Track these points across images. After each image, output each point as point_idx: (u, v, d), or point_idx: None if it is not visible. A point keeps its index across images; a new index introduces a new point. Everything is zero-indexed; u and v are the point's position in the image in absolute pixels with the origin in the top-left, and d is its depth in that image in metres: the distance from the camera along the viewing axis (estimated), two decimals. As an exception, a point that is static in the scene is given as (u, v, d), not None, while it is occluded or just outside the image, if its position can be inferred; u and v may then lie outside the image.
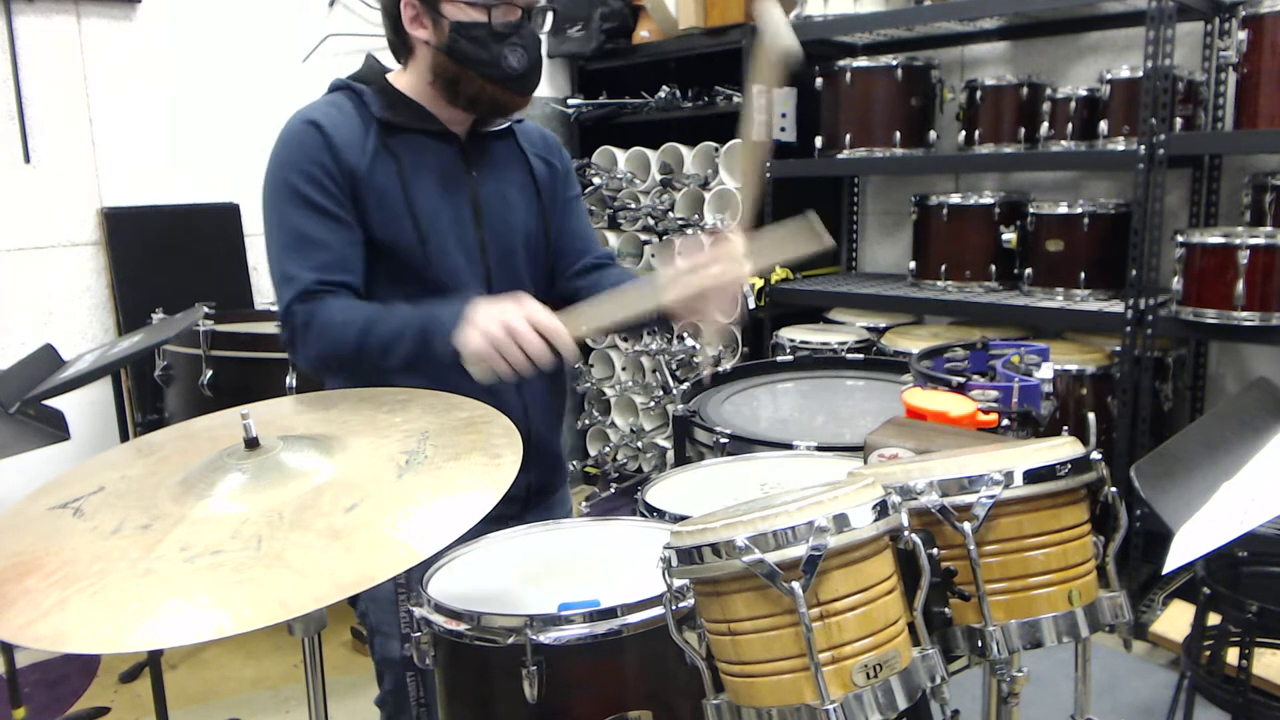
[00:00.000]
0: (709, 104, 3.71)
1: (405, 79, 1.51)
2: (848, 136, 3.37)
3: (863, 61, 3.37)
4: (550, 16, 1.52)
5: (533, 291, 1.52)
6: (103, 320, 3.16)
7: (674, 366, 3.86)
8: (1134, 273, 2.78)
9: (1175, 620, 2.73)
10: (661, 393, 3.98)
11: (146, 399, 2.94)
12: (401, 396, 1.32)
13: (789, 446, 1.66)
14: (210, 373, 2.59)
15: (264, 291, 3.49)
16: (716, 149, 3.62)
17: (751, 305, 3.57)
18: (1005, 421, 1.55)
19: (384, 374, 1.41)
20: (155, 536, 0.97)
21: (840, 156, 3.42)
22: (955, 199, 3.26)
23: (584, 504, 3.99)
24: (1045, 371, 1.72)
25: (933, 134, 3.39)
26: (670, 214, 3.77)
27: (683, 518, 1.30)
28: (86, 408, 3.03)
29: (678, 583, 0.93)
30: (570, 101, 4.03)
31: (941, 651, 0.94)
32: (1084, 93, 3.04)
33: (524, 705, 1.06)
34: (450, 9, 1.43)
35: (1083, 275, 3.02)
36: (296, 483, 1.05)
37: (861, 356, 2.38)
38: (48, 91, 3.00)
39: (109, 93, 3.12)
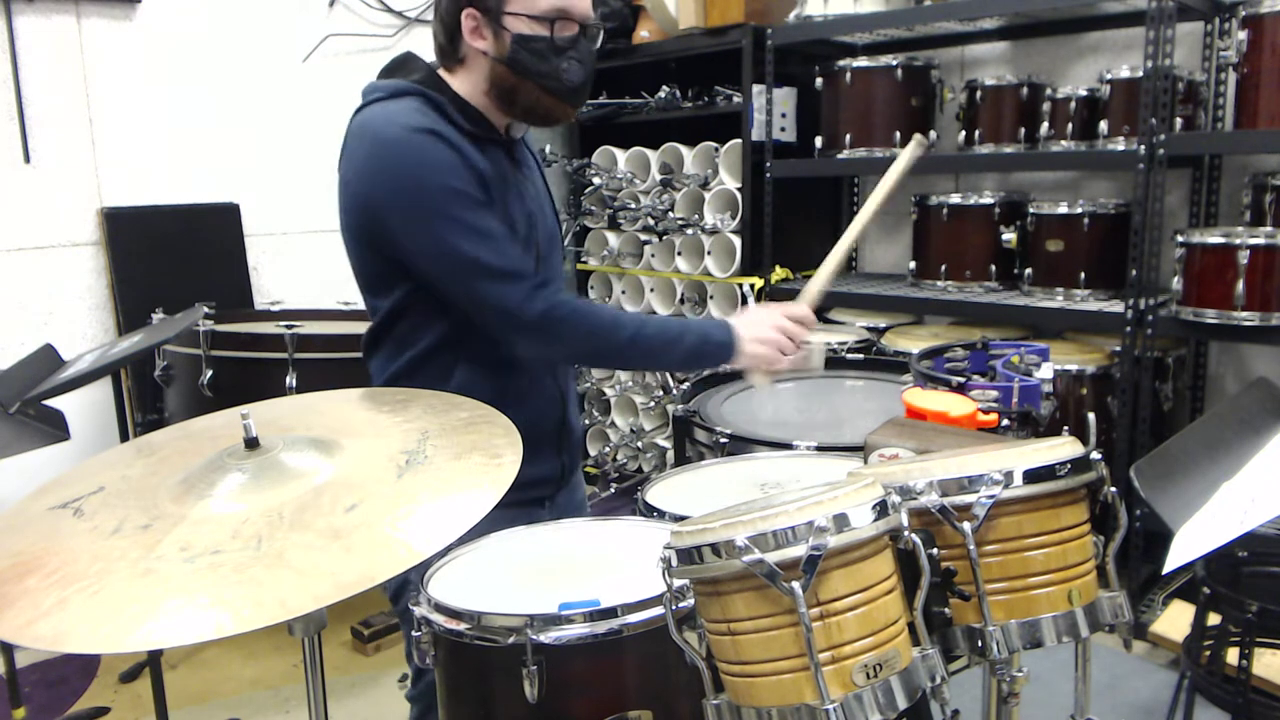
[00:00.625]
0: (709, 104, 3.71)
1: (461, 86, 1.52)
2: (848, 136, 3.37)
3: (863, 61, 3.37)
4: (601, 35, 1.57)
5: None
6: (103, 320, 3.16)
7: (674, 366, 3.86)
8: (1134, 273, 2.78)
9: (1175, 620, 2.73)
10: (661, 393, 3.98)
11: (146, 399, 2.94)
12: (401, 396, 1.32)
13: (789, 446, 1.66)
14: (210, 373, 2.59)
15: (264, 291, 3.49)
16: (716, 149, 3.62)
17: (751, 305, 3.57)
18: (1005, 421, 1.55)
19: (619, 367, 1.63)
20: (155, 536, 0.97)
21: (840, 156, 3.42)
22: (955, 199, 3.26)
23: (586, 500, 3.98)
24: (1045, 371, 1.72)
25: (933, 134, 3.39)
26: (670, 214, 3.77)
27: (683, 518, 1.30)
28: (86, 408, 3.03)
29: (678, 583, 0.93)
30: (570, 101, 4.02)
31: (941, 651, 0.95)
32: (1084, 93, 3.04)
33: (524, 705, 1.06)
34: (513, 22, 1.45)
35: (1083, 275, 3.02)
36: (296, 483, 1.05)
37: (861, 356, 2.37)
38: (48, 91, 3.00)
39: (109, 93, 3.12)
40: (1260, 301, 2.56)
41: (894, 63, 3.30)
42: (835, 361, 2.34)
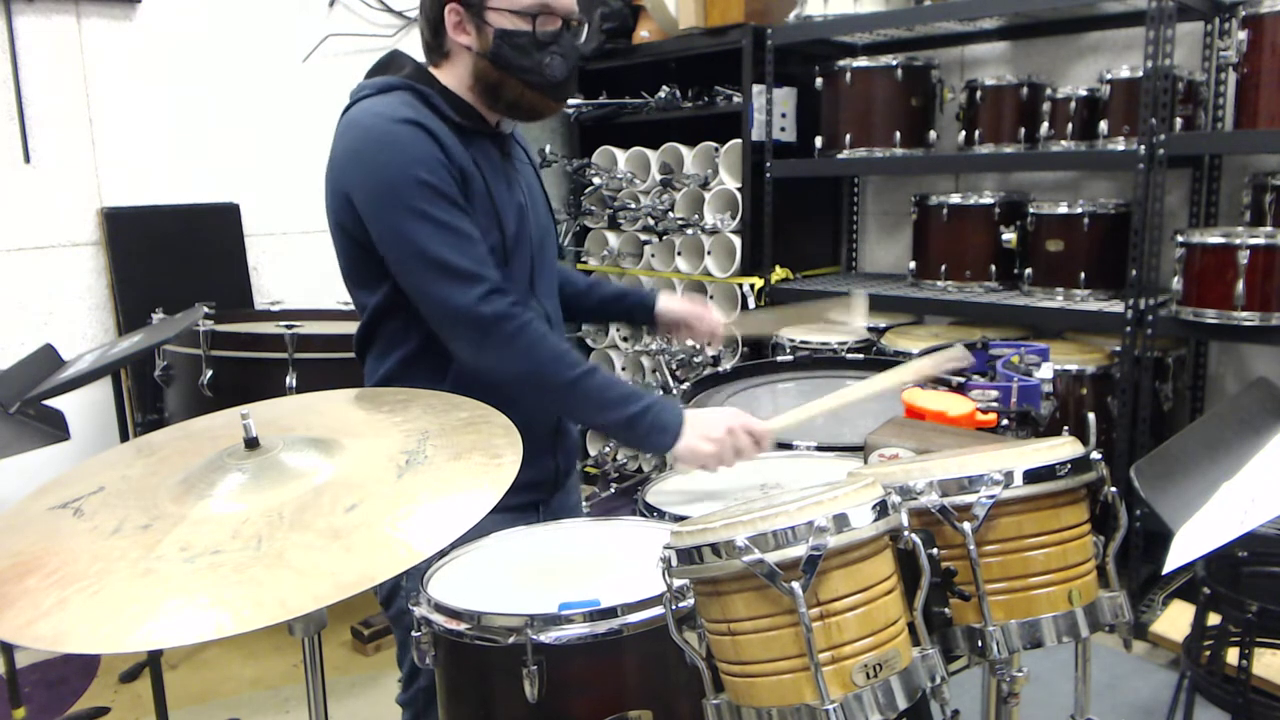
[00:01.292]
0: (709, 104, 3.71)
1: (448, 80, 1.52)
2: (848, 136, 3.37)
3: (863, 61, 3.37)
4: (587, 28, 1.56)
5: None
6: (103, 320, 3.16)
7: (674, 366, 3.86)
8: (1134, 273, 2.78)
9: (1175, 620, 2.73)
10: (662, 393, 3.98)
11: (146, 399, 2.94)
12: (401, 396, 1.32)
13: (789, 446, 1.66)
14: (210, 373, 2.59)
15: (264, 291, 3.49)
16: (716, 149, 3.62)
17: (751, 305, 3.57)
18: (1005, 421, 1.55)
19: (550, 407, 1.56)
20: (155, 536, 0.97)
21: (840, 156, 3.42)
22: (955, 199, 3.26)
23: (584, 504, 3.98)
24: (1045, 371, 1.72)
25: (933, 134, 3.39)
26: (670, 214, 3.77)
27: (682, 518, 1.30)
28: (86, 408, 3.03)
29: (678, 583, 0.93)
30: (570, 101, 4.02)
31: (941, 651, 0.95)
32: (1084, 93, 3.04)
33: (524, 705, 1.06)
34: (495, 17, 1.45)
35: (1083, 275, 3.02)
36: (296, 483, 1.05)
37: (861, 356, 2.38)
38: (48, 91, 3.00)
39: (109, 93, 3.12)
40: (1260, 301, 2.56)
41: (894, 63, 3.30)
42: (835, 361, 2.34)
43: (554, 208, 1.75)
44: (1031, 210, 3.14)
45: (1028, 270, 3.14)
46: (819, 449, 1.64)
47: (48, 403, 1.94)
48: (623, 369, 4.15)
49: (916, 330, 3.49)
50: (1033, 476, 0.97)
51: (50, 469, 1.19)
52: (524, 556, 1.33)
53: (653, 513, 1.43)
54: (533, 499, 1.62)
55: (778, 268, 3.57)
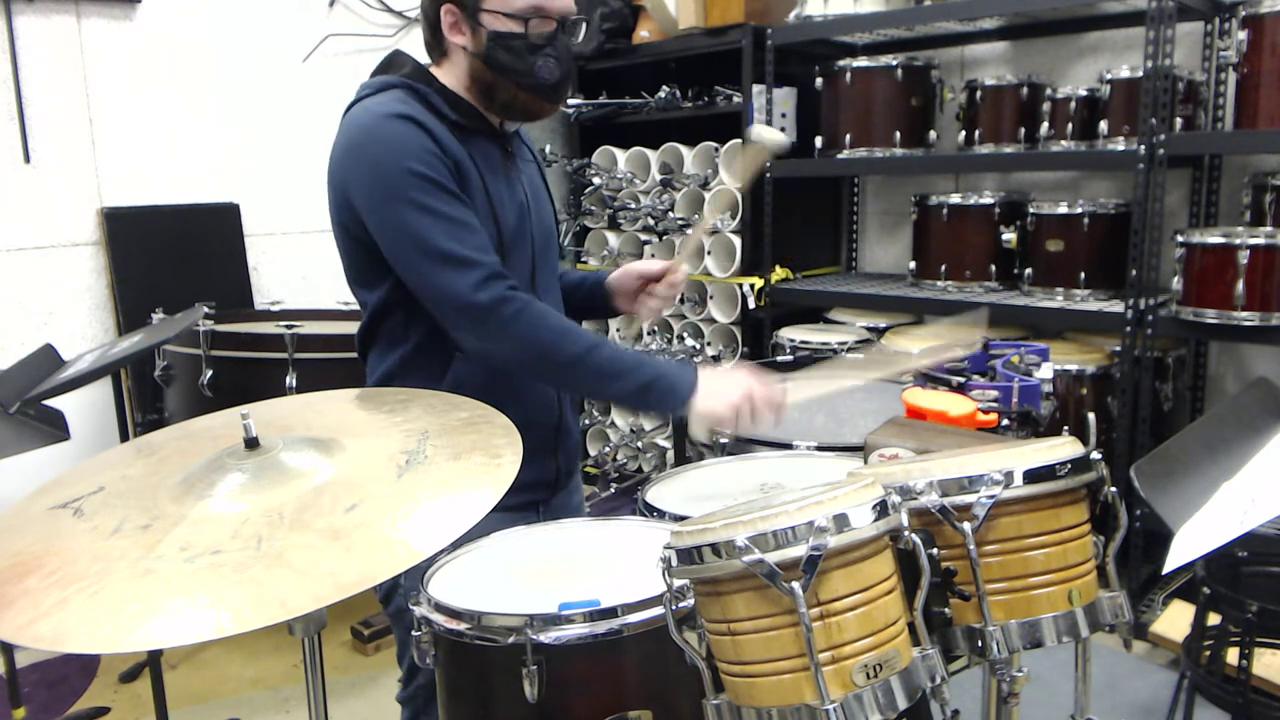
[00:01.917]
0: (709, 104, 3.71)
1: (448, 79, 1.53)
2: (848, 136, 3.37)
3: (863, 61, 3.37)
4: (584, 28, 1.55)
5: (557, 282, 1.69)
6: (103, 320, 3.16)
7: (674, 366, 3.85)
8: (1134, 273, 2.78)
9: (1175, 620, 2.73)
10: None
11: (146, 399, 2.94)
12: (401, 396, 1.32)
13: (789, 446, 1.66)
14: (210, 373, 2.59)
15: (264, 291, 3.49)
16: (716, 149, 3.62)
17: (751, 305, 3.57)
18: (1005, 421, 1.55)
19: (560, 387, 1.58)
20: (155, 536, 0.97)
21: (840, 156, 3.42)
22: (955, 199, 3.26)
23: (584, 504, 3.98)
24: (1045, 371, 1.72)
25: (933, 134, 3.39)
26: (670, 214, 3.77)
27: (683, 518, 1.30)
28: (86, 408, 3.03)
29: (678, 583, 0.93)
30: (570, 101, 4.03)
31: (941, 651, 0.95)
32: (1084, 93, 3.04)
33: (524, 705, 1.06)
34: (488, 19, 1.46)
35: (1083, 275, 3.02)
36: (296, 483, 1.05)
37: (861, 356, 2.37)
38: (48, 91, 3.00)
39: (109, 93, 3.12)
40: (1260, 301, 2.56)
41: (894, 63, 3.30)
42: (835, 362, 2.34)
43: (555, 208, 1.75)
44: (1031, 210, 3.14)
45: (1028, 270, 3.14)
46: (819, 449, 1.64)
47: (48, 403, 1.94)
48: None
49: (916, 330, 3.49)
50: (1033, 476, 0.97)
51: (50, 469, 1.19)
52: (524, 556, 1.33)
53: (653, 513, 1.43)
54: (532, 499, 1.62)
55: (778, 268, 3.57)
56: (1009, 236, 3.15)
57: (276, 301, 3.33)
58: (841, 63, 3.39)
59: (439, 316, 1.46)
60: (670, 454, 3.86)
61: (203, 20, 3.29)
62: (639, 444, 4.03)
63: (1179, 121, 2.81)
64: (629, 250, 4.00)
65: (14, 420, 1.84)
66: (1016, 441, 1.24)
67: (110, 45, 3.11)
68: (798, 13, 3.43)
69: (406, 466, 1.06)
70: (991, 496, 0.97)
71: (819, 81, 3.47)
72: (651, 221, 3.84)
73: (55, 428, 1.89)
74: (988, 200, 3.21)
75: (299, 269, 3.58)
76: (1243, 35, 2.66)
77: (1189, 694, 2.15)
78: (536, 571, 1.28)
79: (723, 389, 1.46)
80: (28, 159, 2.97)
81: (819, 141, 3.50)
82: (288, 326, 2.55)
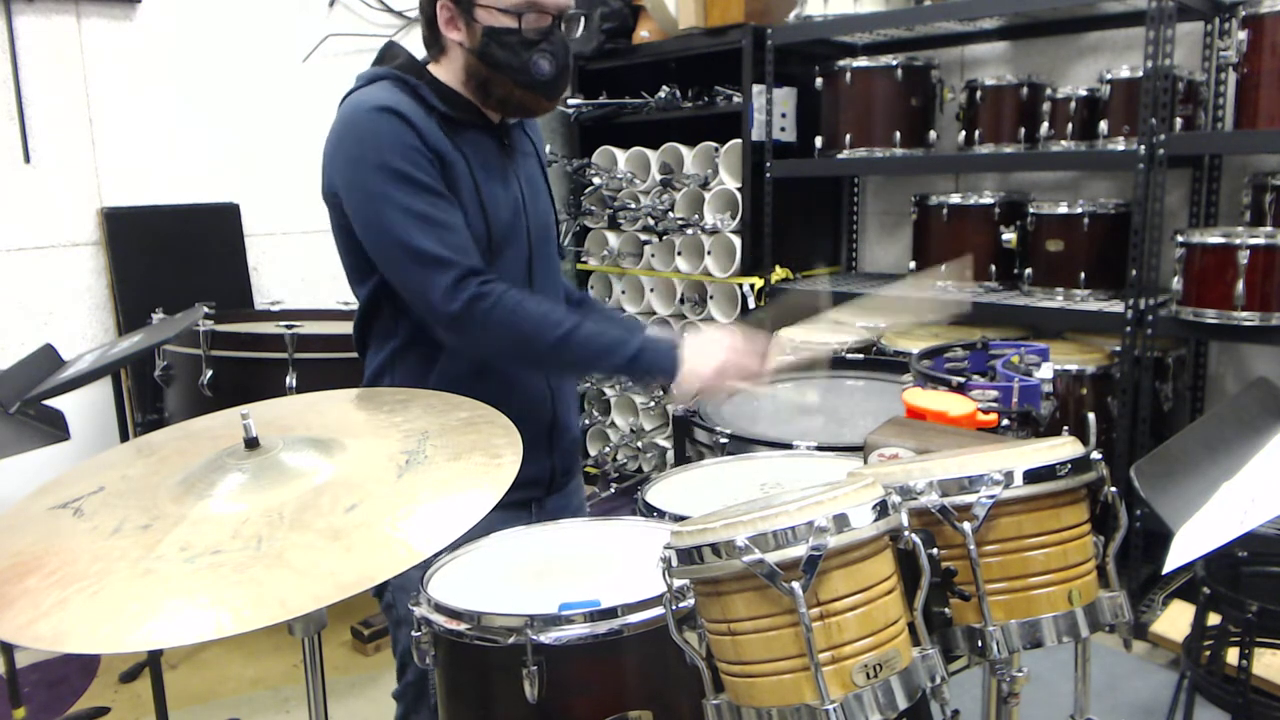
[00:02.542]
0: (709, 104, 3.71)
1: (444, 73, 1.53)
2: (848, 136, 3.37)
3: (863, 61, 3.37)
4: (581, 23, 1.56)
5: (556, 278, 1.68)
6: (103, 320, 3.16)
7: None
8: (1134, 273, 2.78)
9: (1175, 620, 2.73)
10: (661, 393, 3.98)
11: (146, 399, 2.94)
12: (401, 396, 1.32)
13: (789, 446, 1.66)
14: (210, 373, 2.59)
15: (264, 291, 3.49)
16: (716, 149, 3.62)
17: (752, 305, 3.57)
18: (1005, 421, 1.55)
19: (548, 371, 1.58)
20: (155, 536, 0.97)
21: (840, 156, 3.42)
22: (955, 199, 3.26)
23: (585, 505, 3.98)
24: (1045, 371, 1.72)
25: (933, 134, 3.39)
26: (670, 214, 3.77)
27: (683, 518, 1.30)
28: (86, 408, 3.03)
29: (678, 583, 0.93)
30: (570, 101, 4.03)
31: (941, 651, 0.94)
32: (1084, 93, 3.04)
33: (524, 705, 1.06)
34: (483, 14, 1.46)
35: (1083, 275, 3.02)
36: (296, 483, 1.05)
37: (861, 356, 2.37)
38: (48, 91, 3.00)
39: (109, 93, 3.12)
40: (1260, 301, 2.56)
41: (894, 63, 3.30)
42: (835, 361, 2.34)
43: (555, 207, 1.74)
44: (1031, 210, 3.14)
45: (1028, 270, 3.14)
46: (819, 449, 1.64)
47: (48, 403, 1.94)
48: (623, 369, 4.15)
49: (917, 330, 3.48)
50: (1033, 476, 0.97)
51: (50, 469, 1.19)
52: (524, 556, 1.33)
53: (653, 513, 1.43)
54: (525, 497, 1.61)
55: (778, 268, 3.57)
56: (1009, 236, 3.16)
57: (276, 301, 3.32)
58: (841, 63, 3.39)
59: (420, 315, 1.47)
60: (670, 454, 3.86)
61: (203, 20, 3.29)
62: (639, 444, 4.03)
63: (1179, 121, 2.81)
64: (629, 250, 4.00)
65: (14, 420, 1.84)
66: (1016, 441, 1.24)
67: (110, 45, 3.11)
68: (798, 13, 3.43)
69: (406, 466, 1.06)
70: (991, 496, 0.97)
71: (819, 81, 3.47)
72: (651, 221, 3.83)
73: (55, 428, 1.89)
74: (988, 200, 3.22)
75: (299, 269, 3.58)
76: (1243, 35, 2.66)
77: (1189, 694, 2.15)
78: (536, 571, 1.28)
79: (706, 351, 1.47)
80: (28, 159, 2.97)
81: (819, 141, 3.50)
82: (288, 326, 2.55)
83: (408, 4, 3.76)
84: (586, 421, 4.21)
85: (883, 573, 0.89)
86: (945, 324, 3.25)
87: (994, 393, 1.59)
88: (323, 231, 1.54)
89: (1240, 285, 2.56)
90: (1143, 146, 2.71)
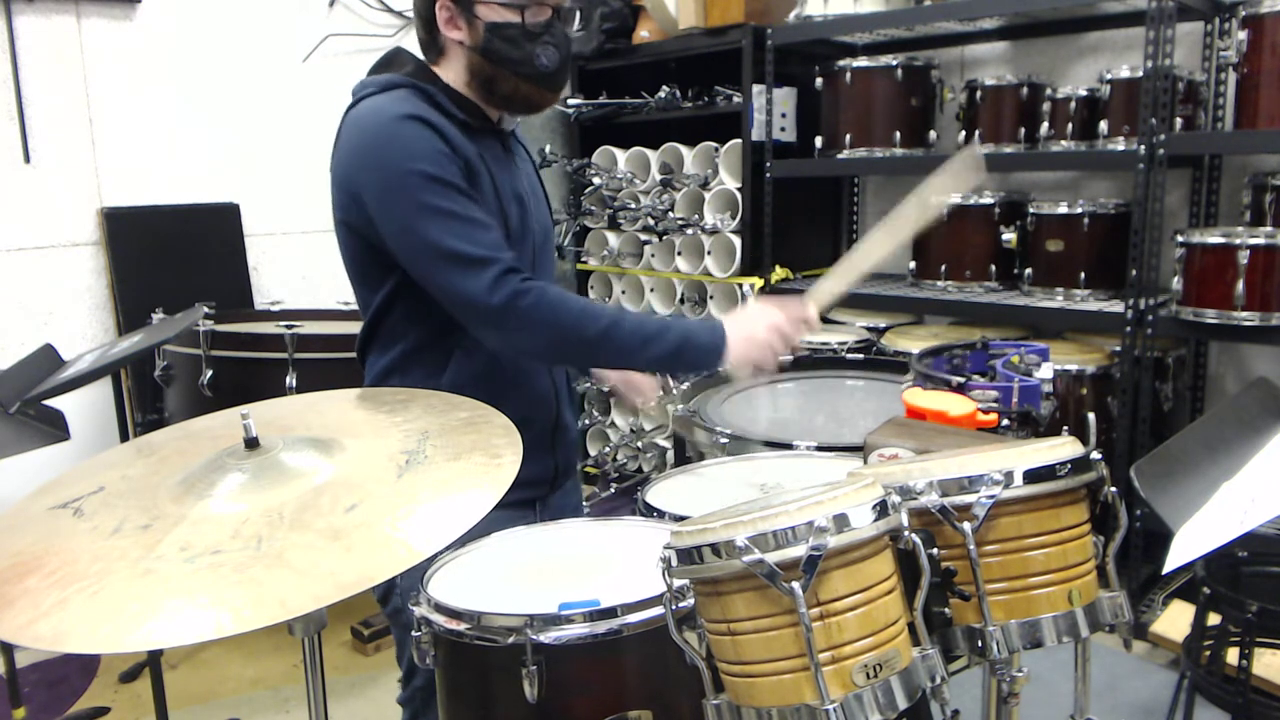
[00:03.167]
0: (709, 104, 3.71)
1: (448, 77, 1.52)
2: (848, 136, 3.37)
3: (863, 61, 3.37)
4: (578, 15, 1.57)
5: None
6: (103, 320, 3.16)
7: (674, 366, 3.85)
8: (1134, 273, 2.78)
9: (1175, 620, 2.73)
10: (661, 393, 3.98)
11: (146, 399, 2.94)
12: (401, 396, 1.32)
13: (789, 446, 1.66)
14: (210, 373, 2.59)
15: (264, 291, 3.49)
16: (716, 149, 3.62)
17: (751, 301, 3.57)
18: (1005, 421, 1.55)
19: (594, 365, 1.61)
20: (155, 536, 0.97)
21: (840, 156, 3.42)
22: (955, 199, 3.26)
23: (584, 504, 3.98)
24: (1045, 371, 1.72)
25: (933, 134, 3.39)
26: (670, 214, 3.77)
27: (683, 518, 1.30)
28: (86, 408, 3.03)
29: (678, 583, 0.93)
30: (570, 101, 4.03)
31: (941, 651, 0.94)
32: (1084, 93, 3.04)
33: (524, 705, 1.06)
34: (484, 10, 1.45)
35: (1083, 275, 3.02)
36: (296, 483, 1.05)
37: (861, 356, 2.37)
38: (48, 91, 3.00)
39: (109, 93, 3.12)
40: (1260, 301, 2.56)
41: (894, 63, 3.30)
42: (835, 361, 2.34)
43: (554, 208, 1.75)
44: (1031, 210, 3.14)
45: (1028, 270, 3.14)
46: (819, 449, 1.64)
47: (48, 403, 1.94)
48: (623, 369, 4.15)
49: (916, 330, 3.49)
50: (1033, 476, 0.97)
51: (50, 469, 1.19)
52: (524, 556, 1.33)
53: (653, 513, 1.43)
54: (529, 496, 1.61)
55: (778, 268, 3.57)
56: (1009, 236, 3.15)
57: (276, 301, 3.32)
58: (841, 63, 3.39)
59: (461, 319, 1.46)
60: (670, 454, 3.86)
61: (203, 20, 3.29)
62: (639, 444, 4.03)
63: (1179, 121, 2.81)
64: (629, 250, 4.00)
65: (14, 420, 1.84)
66: (1016, 441, 1.24)
67: (110, 45, 3.11)
68: (798, 13, 3.43)
69: (406, 466, 1.06)
70: (991, 496, 0.97)
71: (819, 81, 3.47)
72: (651, 221, 3.83)
73: (55, 428, 1.89)
74: (988, 200, 3.21)
75: (299, 269, 3.58)
76: (1243, 35, 2.66)
77: (1189, 694, 2.15)
78: (536, 571, 1.28)
79: (751, 332, 1.49)
80: (28, 159, 2.97)
81: (819, 141, 3.49)
82: (288, 326, 2.55)
83: (408, 4, 3.73)
84: (586, 421, 4.21)
85: (883, 573, 0.89)
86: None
87: (994, 393, 1.59)
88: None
89: (1240, 285, 2.56)
90: (1143, 146, 2.71)
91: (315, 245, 3.56)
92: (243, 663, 2.89)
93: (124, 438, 2.41)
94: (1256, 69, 2.65)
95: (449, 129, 1.45)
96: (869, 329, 3.49)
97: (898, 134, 3.31)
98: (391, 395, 1.34)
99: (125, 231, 3.13)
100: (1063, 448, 1.00)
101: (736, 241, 3.59)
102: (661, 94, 3.81)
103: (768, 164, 3.49)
